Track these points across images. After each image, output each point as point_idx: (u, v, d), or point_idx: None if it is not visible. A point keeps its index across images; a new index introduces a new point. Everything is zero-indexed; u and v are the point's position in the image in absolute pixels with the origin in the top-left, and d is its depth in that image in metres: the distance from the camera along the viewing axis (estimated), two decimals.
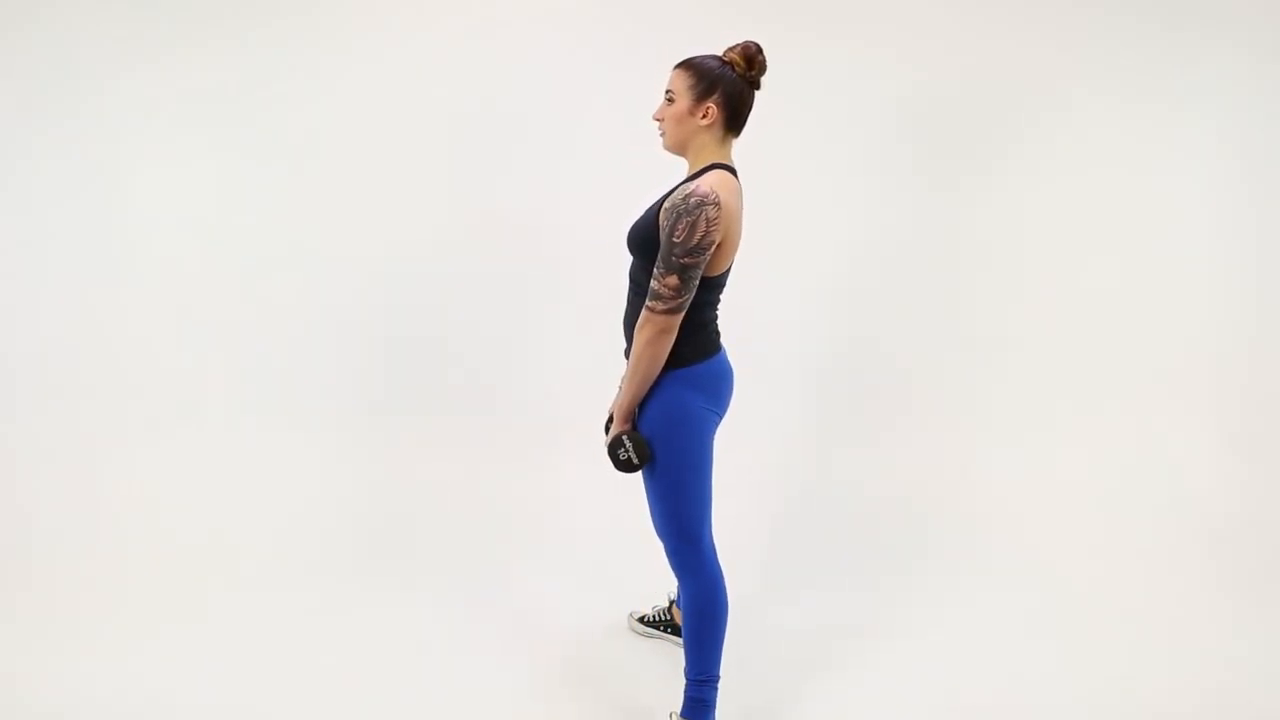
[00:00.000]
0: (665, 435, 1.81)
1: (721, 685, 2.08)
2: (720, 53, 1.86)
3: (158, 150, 3.47)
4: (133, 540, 2.91)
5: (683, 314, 1.74)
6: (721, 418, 1.93)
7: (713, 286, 1.84)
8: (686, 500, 1.83)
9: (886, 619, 2.46)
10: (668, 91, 1.85)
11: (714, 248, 1.72)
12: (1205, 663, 2.21)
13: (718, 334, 1.96)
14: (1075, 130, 3.57)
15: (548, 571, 2.76)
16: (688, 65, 1.83)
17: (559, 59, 3.51)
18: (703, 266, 1.72)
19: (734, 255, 1.83)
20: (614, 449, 1.84)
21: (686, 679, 1.89)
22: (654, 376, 1.79)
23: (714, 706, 1.87)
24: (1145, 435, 3.52)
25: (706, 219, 1.68)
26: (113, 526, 3.00)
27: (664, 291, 1.71)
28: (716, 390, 1.89)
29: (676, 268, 1.69)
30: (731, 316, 3.55)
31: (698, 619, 1.86)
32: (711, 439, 1.89)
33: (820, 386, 3.64)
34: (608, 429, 2.01)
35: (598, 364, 3.11)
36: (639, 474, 2.77)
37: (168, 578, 2.67)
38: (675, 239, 1.68)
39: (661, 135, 1.88)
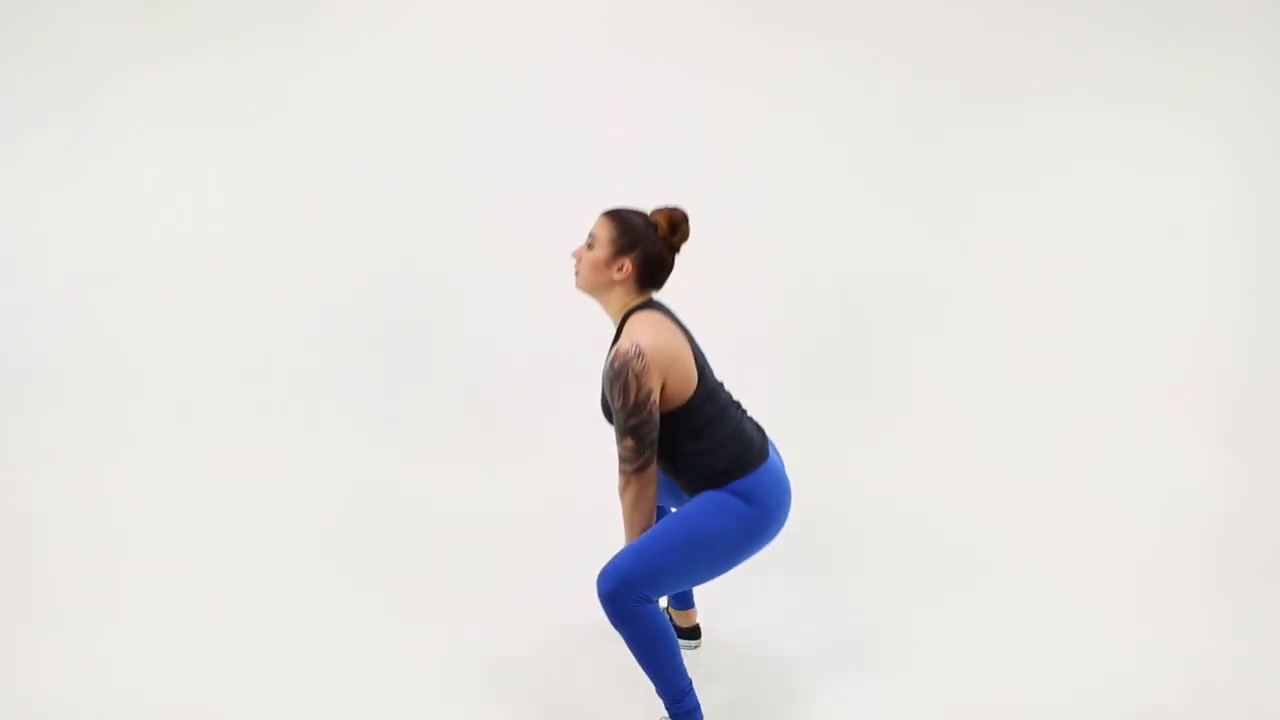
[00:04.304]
0: (704, 519, 1.78)
1: (712, 690, 2.08)
2: (649, 210, 1.92)
3: (158, 151, 3.48)
4: (133, 541, 2.91)
5: (653, 464, 1.78)
6: (770, 540, 1.87)
7: (695, 409, 1.82)
8: (668, 580, 1.76)
9: (884, 618, 2.46)
10: (590, 235, 1.90)
11: (654, 395, 1.75)
12: (1205, 663, 2.21)
13: (759, 438, 1.91)
14: (1076, 130, 3.57)
15: (545, 573, 2.76)
16: (614, 217, 1.89)
17: (560, 60, 3.51)
18: (653, 418, 1.76)
19: (695, 375, 1.82)
20: None
21: (664, 702, 1.84)
22: (651, 527, 1.81)
23: (699, 706, 1.86)
24: (1145, 435, 3.52)
25: (634, 374, 1.73)
26: (113, 527, 3.00)
27: (626, 454, 1.78)
28: (772, 506, 1.83)
29: (627, 430, 1.75)
30: (731, 317, 3.57)
31: (647, 654, 1.76)
32: (744, 558, 1.84)
33: (817, 386, 3.64)
34: None
35: (599, 365, 3.11)
36: None
37: (167, 578, 2.66)
38: (617, 405, 1.76)
39: (575, 274, 1.93)
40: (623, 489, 1.80)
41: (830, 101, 3.56)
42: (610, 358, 1.78)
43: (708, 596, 2.55)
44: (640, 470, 1.77)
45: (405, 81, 3.49)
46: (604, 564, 2.10)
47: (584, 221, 3.55)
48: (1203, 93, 3.53)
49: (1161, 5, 3.48)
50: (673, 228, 1.88)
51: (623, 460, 1.78)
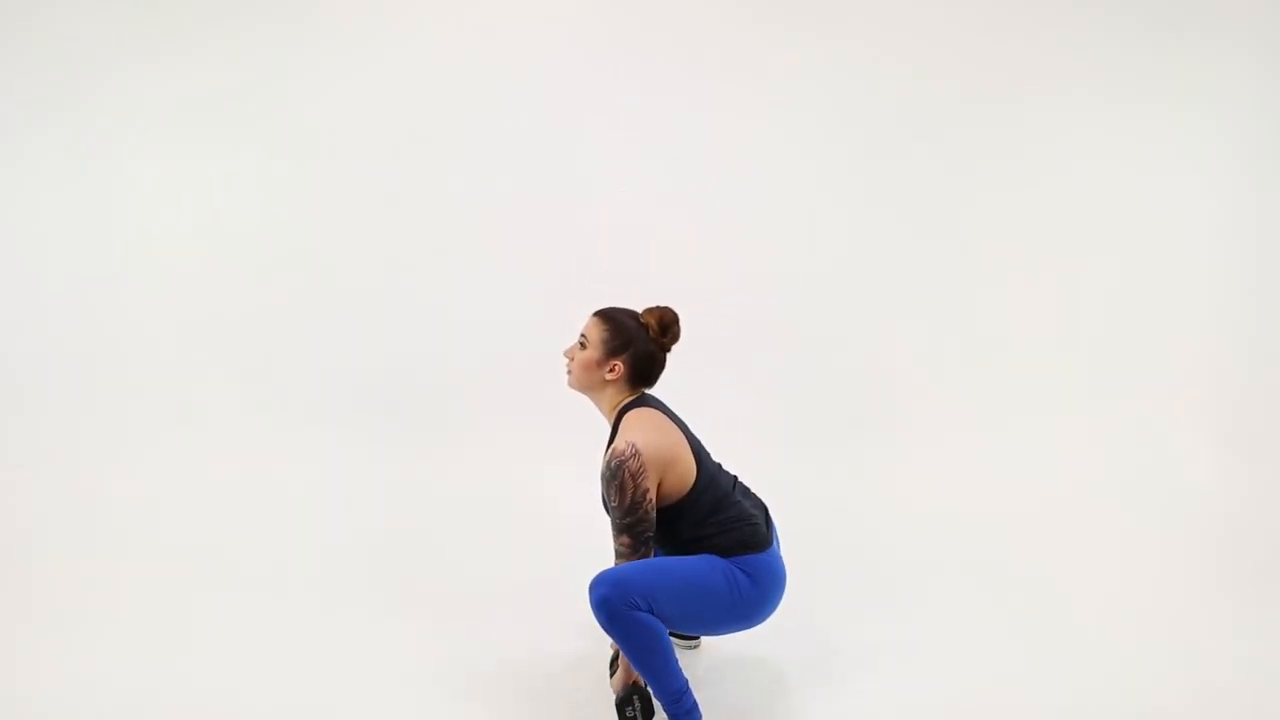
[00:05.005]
0: (705, 572, 1.81)
1: (711, 691, 2.07)
2: (640, 310, 1.95)
3: (158, 151, 3.48)
4: (133, 541, 2.91)
5: (651, 552, 1.82)
6: (758, 622, 1.90)
7: (696, 498, 1.85)
8: (660, 611, 1.76)
9: (883, 617, 2.46)
10: (582, 336, 1.94)
11: (650, 494, 1.79)
12: (1205, 663, 2.21)
13: (764, 522, 1.94)
14: (1076, 130, 3.57)
15: (545, 574, 2.76)
16: (605, 318, 1.93)
17: (560, 60, 3.51)
18: (649, 515, 1.79)
19: (693, 468, 1.86)
20: (622, 706, 1.89)
21: (662, 703, 1.85)
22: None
23: (696, 706, 1.86)
24: (1145, 435, 3.52)
25: (630, 474, 1.77)
26: (113, 527, 3.00)
27: (622, 549, 1.82)
28: (767, 588, 1.86)
29: (623, 528, 1.80)
30: (731, 316, 3.57)
31: (641, 657, 1.76)
32: (731, 629, 1.88)
33: (816, 385, 3.64)
34: (613, 666, 2.02)
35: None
36: None
37: (167, 578, 2.66)
38: (613, 505, 1.80)
39: (568, 373, 1.96)
40: None
41: (830, 101, 3.55)
42: (607, 457, 1.82)
43: None
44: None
45: (405, 81, 3.49)
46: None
47: (584, 222, 3.56)
48: (1203, 93, 3.52)
49: (1161, 5, 3.48)
50: (663, 329, 1.92)
51: (619, 555, 1.82)
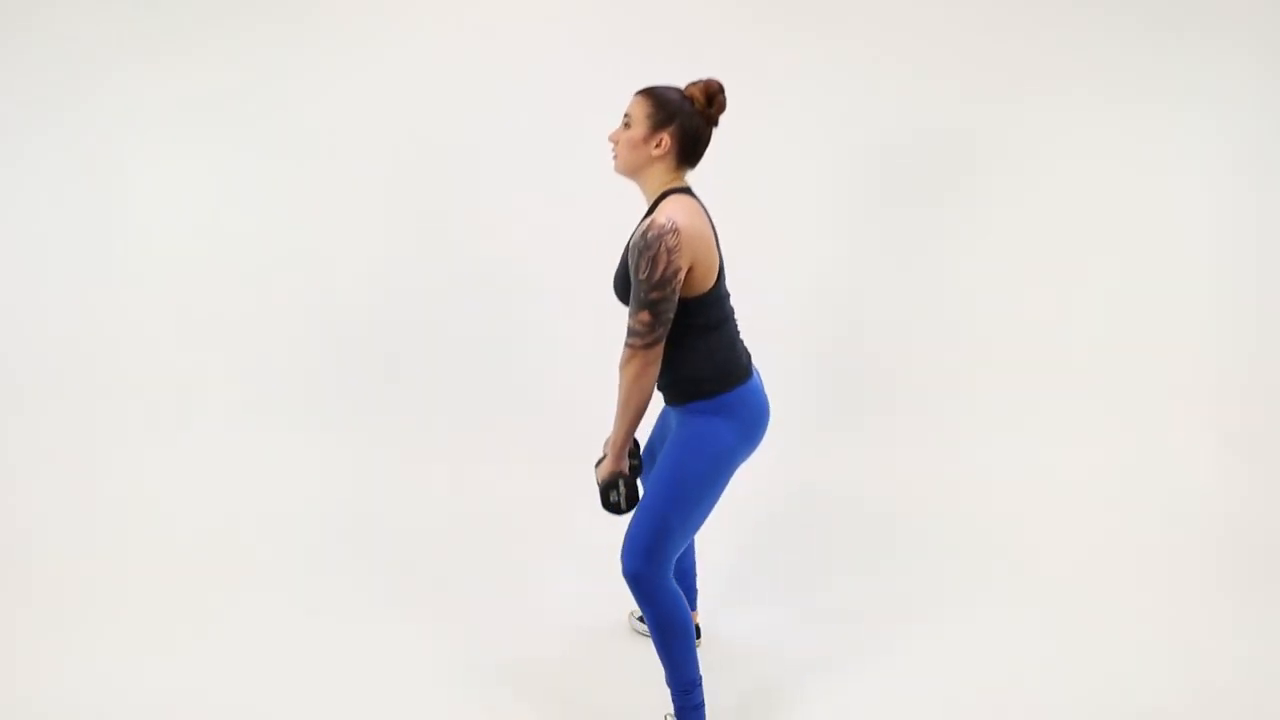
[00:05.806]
0: (685, 461, 1.81)
1: (712, 689, 2.08)
2: (683, 86, 1.89)
3: (158, 151, 3.47)
4: (133, 540, 2.91)
5: (661, 344, 1.76)
6: (750, 454, 1.90)
7: (707, 304, 1.82)
8: (676, 530, 1.79)
9: (884, 617, 2.46)
10: (625, 116, 1.88)
11: (681, 274, 1.74)
12: (1205, 663, 2.21)
13: (745, 357, 1.92)
14: (1076, 130, 3.57)
15: (546, 571, 2.76)
16: (648, 93, 1.87)
17: (560, 60, 3.51)
18: (674, 297, 1.73)
19: (717, 270, 1.82)
20: (606, 490, 1.87)
21: (671, 692, 1.87)
22: (644, 411, 1.81)
23: (704, 705, 1.88)
24: (1145, 435, 3.52)
25: (666, 248, 1.70)
26: (113, 527, 3.00)
27: (638, 328, 1.74)
28: (751, 423, 1.86)
29: (646, 303, 1.72)
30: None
31: (665, 638, 1.82)
32: (730, 476, 1.86)
33: (816, 386, 3.64)
34: (598, 464, 2.01)
35: (596, 366, 3.11)
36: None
37: (167, 578, 2.67)
38: (641, 276, 1.72)
39: (614, 158, 1.91)
40: (625, 363, 1.75)
41: (830, 101, 3.55)
42: (644, 229, 1.74)
43: (709, 597, 2.55)
44: (649, 347, 1.74)
45: (405, 81, 3.49)
46: (616, 551, 2.09)
47: (583, 221, 3.56)
48: (1203, 93, 3.52)
49: (1161, 5, 3.48)
50: (709, 99, 1.85)
51: (633, 334, 1.74)
